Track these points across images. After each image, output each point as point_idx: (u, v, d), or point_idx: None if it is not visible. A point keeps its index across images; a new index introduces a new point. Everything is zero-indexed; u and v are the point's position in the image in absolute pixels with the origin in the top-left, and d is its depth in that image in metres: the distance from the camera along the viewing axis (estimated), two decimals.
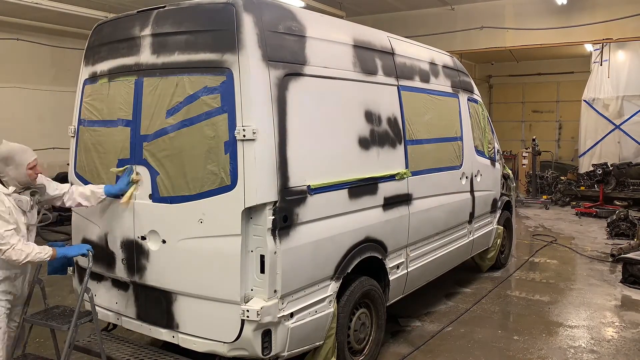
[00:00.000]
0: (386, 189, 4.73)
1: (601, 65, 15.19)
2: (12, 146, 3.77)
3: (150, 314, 4.06)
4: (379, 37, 5.00)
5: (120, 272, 4.15)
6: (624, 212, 10.42)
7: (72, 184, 4.25)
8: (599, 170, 13.98)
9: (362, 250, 4.41)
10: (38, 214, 3.93)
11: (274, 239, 3.60)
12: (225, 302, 3.63)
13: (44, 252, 3.65)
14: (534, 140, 14.80)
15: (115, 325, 4.53)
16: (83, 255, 3.86)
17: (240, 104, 3.55)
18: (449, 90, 6.22)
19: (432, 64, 5.90)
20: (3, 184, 3.70)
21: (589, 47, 15.65)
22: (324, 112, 4.14)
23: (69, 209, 4.34)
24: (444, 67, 6.21)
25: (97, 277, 4.32)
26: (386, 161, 4.77)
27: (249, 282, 3.61)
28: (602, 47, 14.76)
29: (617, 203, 13.17)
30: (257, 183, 3.54)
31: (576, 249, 9.28)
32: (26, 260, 3.58)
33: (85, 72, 4.50)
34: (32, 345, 4.88)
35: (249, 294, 3.61)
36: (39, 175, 3.87)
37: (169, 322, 3.92)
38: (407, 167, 5.03)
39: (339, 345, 4.24)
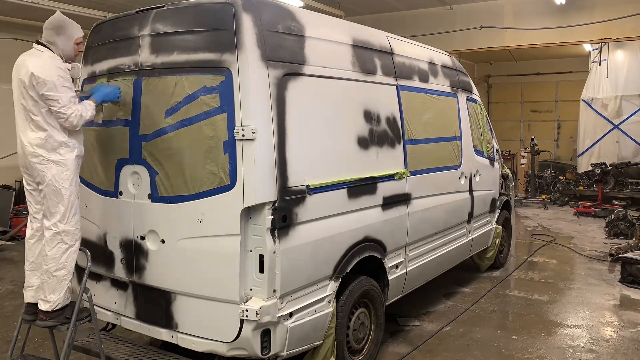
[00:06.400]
0: (385, 189, 4.73)
1: (600, 65, 15.22)
2: (66, 18, 3.88)
3: (150, 314, 4.05)
4: (378, 37, 5.00)
5: (119, 271, 4.15)
6: (623, 212, 10.43)
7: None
8: (598, 170, 13.99)
9: (361, 249, 4.41)
10: None
11: (273, 238, 3.60)
12: (225, 301, 3.63)
13: (91, 109, 3.77)
14: (532, 139, 14.81)
15: (114, 325, 4.53)
16: (116, 97, 3.95)
17: (239, 103, 3.55)
18: (448, 90, 6.23)
19: (431, 63, 5.91)
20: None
21: (587, 47, 15.67)
22: (323, 111, 4.14)
23: None
24: (443, 66, 6.21)
25: (96, 277, 4.32)
26: (385, 161, 4.77)
27: (248, 282, 3.61)
28: (601, 47, 14.78)
29: (616, 202, 13.19)
30: (256, 183, 3.54)
31: (575, 248, 9.29)
32: (83, 121, 3.72)
33: (84, 72, 4.50)
34: (30, 345, 4.89)
35: (248, 294, 3.61)
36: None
37: (168, 322, 3.92)
38: (406, 166, 5.04)
39: (338, 344, 4.24)
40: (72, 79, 3.87)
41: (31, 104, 3.65)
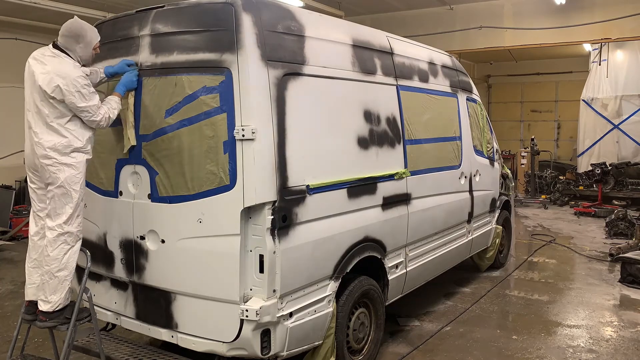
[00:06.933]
0: (385, 189, 4.73)
1: (600, 65, 15.22)
2: (84, 23, 3.85)
3: (150, 314, 4.05)
4: (378, 37, 5.00)
5: (119, 271, 4.15)
6: (623, 212, 10.43)
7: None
8: (598, 170, 13.98)
9: (361, 249, 4.41)
10: None
11: (273, 238, 3.60)
12: (224, 301, 3.63)
13: (117, 106, 3.86)
14: (532, 139, 14.81)
15: (114, 325, 4.53)
16: (135, 83, 3.97)
17: (239, 103, 3.55)
18: (448, 90, 6.23)
19: (431, 63, 5.91)
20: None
21: (587, 47, 15.67)
22: (323, 111, 4.14)
23: None
24: (443, 66, 6.21)
25: (96, 277, 4.32)
26: (385, 161, 4.77)
27: (248, 282, 3.61)
28: (601, 47, 14.78)
29: (616, 202, 13.18)
30: (256, 183, 3.54)
31: (575, 248, 9.29)
32: (113, 120, 3.83)
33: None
34: (30, 345, 4.89)
35: (248, 294, 3.61)
36: None
37: (168, 322, 3.92)
38: (406, 166, 5.04)
39: (338, 344, 4.24)
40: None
41: (49, 110, 3.63)
